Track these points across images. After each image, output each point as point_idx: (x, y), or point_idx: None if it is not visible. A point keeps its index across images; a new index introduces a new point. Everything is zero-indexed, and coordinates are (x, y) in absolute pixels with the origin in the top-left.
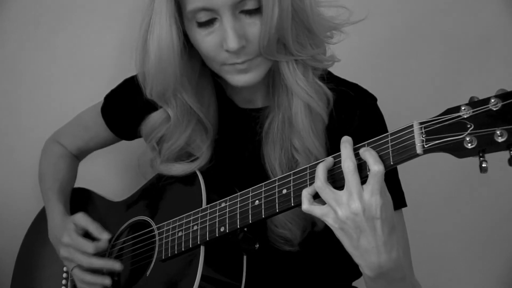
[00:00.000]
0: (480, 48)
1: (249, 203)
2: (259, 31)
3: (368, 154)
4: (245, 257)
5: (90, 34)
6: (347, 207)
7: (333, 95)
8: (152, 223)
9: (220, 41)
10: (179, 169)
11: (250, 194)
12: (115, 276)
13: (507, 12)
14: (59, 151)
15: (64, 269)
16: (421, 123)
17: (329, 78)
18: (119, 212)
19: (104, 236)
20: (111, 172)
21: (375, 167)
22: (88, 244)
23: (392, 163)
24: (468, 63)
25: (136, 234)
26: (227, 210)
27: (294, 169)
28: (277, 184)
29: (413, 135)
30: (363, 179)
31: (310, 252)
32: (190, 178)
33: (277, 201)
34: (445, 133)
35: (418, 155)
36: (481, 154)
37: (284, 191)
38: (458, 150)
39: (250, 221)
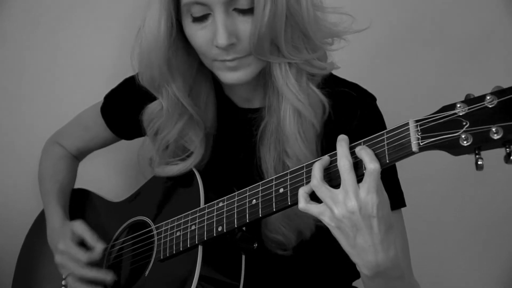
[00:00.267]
0: (478, 47)
1: (246, 202)
2: (250, 29)
3: (364, 153)
4: (243, 257)
5: (90, 34)
6: (343, 205)
7: (329, 101)
8: (151, 223)
9: (211, 37)
10: (174, 169)
11: (248, 194)
12: (115, 277)
13: (506, 11)
14: (59, 152)
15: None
16: (416, 121)
17: (328, 79)
18: (118, 212)
19: (98, 246)
20: (110, 173)
21: (371, 165)
22: (81, 253)
23: (388, 161)
24: (467, 63)
25: (135, 234)
26: (225, 209)
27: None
28: (274, 183)
29: (409, 133)
30: (359, 177)
31: (305, 255)
32: (188, 178)
33: (274, 200)
34: (440, 131)
35: (413, 152)
36: (476, 152)
37: (281, 190)
38: (453, 148)
39: (248, 220)
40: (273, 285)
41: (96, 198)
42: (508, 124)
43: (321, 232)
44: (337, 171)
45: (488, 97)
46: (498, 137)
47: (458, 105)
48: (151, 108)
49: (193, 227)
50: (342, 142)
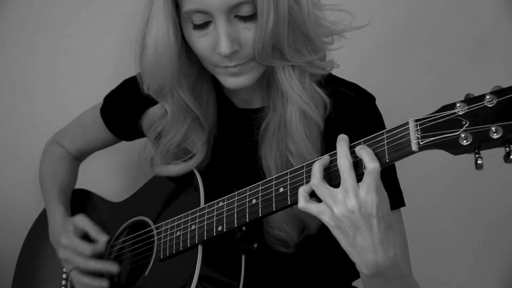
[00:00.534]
0: (478, 47)
1: (246, 202)
2: (253, 36)
3: (364, 152)
4: (243, 256)
5: (90, 35)
6: (343, 204)
7: (330, 100)
8: (151, 223)
9: (213, 44)
10: (175, 169)
11: (248, 193)
12: (115, 277)
13: (506, 11)
14: (59, 153)
15: (64, 269)
16: (416, 120)
17: (327, 78)
18: (119, 212)
19: (102, 239)
20: (110, 173)
21: (371, 164)
22: (85, 246)
23: (387, 160)
24: (467, 62)
25: (135, 234)
26: (225, 209)
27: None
28: (274, 182)
29: (409, 132)
30: (359, 176)
31: (307, 253)
32: (188, 178)
33: (274, 200)
34: (440, 130)
35: (413, 152)
36: (476, 151)
37: (281, 190)
38: (453, 147)
39: (248, 220)
40: (273, 285)
41: (96, 198)
42: (508, 123)
43: (324, 230)
44: (337, 171)
45: (487, 97)
46: (498, 136)
47: (458, 105)
48: (152, 113)
49: (193, 227)
50: (342, 142)
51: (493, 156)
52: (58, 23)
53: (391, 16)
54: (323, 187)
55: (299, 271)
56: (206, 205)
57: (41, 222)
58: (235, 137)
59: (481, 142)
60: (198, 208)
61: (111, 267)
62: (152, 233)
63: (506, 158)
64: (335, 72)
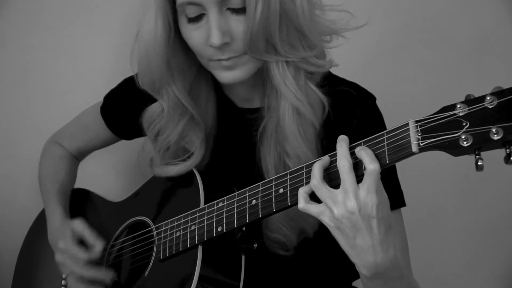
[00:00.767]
0: (478, 47)
1: (246, 202)
2: (243, 29)
3: (364, 153)
4: (243, 257)
5: (89, 34)
6: (343, 205)
7: (329, 100)
8: (151, 223)
9: (206, 37)
10: (174, 169)
11: (247, 194)
12: (115, 277)
13: (506, 11)
14: (58, 152)
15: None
16: (416, 122)
17: (327, 78)
18: (118, 212)
19: (98, 245)
20: (110, 173)
21: (371, 165)
22: (81, 252)
23: (388, 161)
24: (467, 63)
25: (135, 234)
26: (225, 210)
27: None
28: (274, 183)
29: (409, 134)
30: (359, 177)
31: (306, 256)
32: (188, 178)
33: (274, 201)
34: (440, 131)
35: (413, 153)
36: (477, 152)
37: (281, 191)
38: (453, 148)
39: (248, 221)
40: (273, 285)
41: (96, 198)
42: (508, 124)
43: (323, 231)
44: (337, 172)
45: (488, 98)
46: (498, 137)
47: (458, 106)
48: (151, 111)
49: (193, 227)
50: (342, 143)
51: (493, 157)
52: (58, 23)
53: (391, 16)
54: (323, 188)
55: (298, 273)
56: (206, 205)
57: (41, 221)
58: (235, 137)
59: (481, 144)
60: (198, 209)
61: (106, 275)
62: (152, 233)
63: (506, 159)
64: (335, 71)
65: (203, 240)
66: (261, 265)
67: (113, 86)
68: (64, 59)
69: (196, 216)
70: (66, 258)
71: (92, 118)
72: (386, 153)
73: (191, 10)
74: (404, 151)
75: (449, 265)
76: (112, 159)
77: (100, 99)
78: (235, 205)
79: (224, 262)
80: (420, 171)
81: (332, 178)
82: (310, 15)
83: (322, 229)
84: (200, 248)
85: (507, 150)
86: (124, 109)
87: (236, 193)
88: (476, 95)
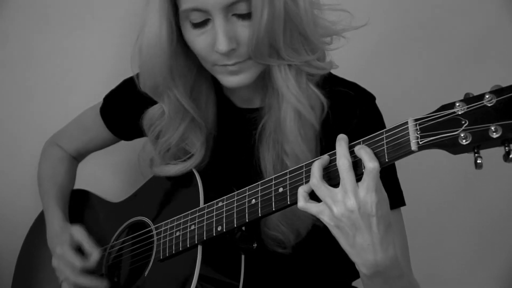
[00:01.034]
0: (478, 46)
1: (245, 202)
2: (249, 34)
3: (363, 152)
4: (243, 256)
5: (89, 35)
6: (342, 204)
7: (328, 101)
8: (150, 223)
9: (211, 42)
10: (173, 169)
11: (247, 193)
12: (115, 277)
13: (506, 11)
14: (57, 154)
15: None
16: (415, 120)
17: (327, 78)
18: (118, 213)
19: (95, 254)
20: (109, 173)
21: (370, 164)
22: (77, 260)
23: (387, 160)
24: (466, 62)
25: (135, 234)
26: (224, 209)
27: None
28: (273, 182)
29: (408, 132)
30: (359, 176)
31: (304, 254)
32: (188, 178)
33: (273, 200)
34: (439, 130)
35: (413, 151)
36: (476, 150)
37: (281, 190)
38: (453, 147)
39: (247, 220)
40: (272, 285)
41: (95, 198)
42: (507, 122)
43: (319, 231)
44: (336, 171)
45: (487, 96)
46: (497, 135)
47: (457, 104)
48: (151, 113)
49: (192, 227)
50: (341, 142)
51: (492, 155)
52: (58, 24)
53: (391, 16)
54: (323, 187)
55: (298, 272)
56: (206, 205)
57: (41, 222)
58: (235, 137)
59: (480, 142)
60: (197, 208)
61: (100, 284)
62: (151, 233)
63: (505, 157)
64: (335, 71)
65: (202, 239)
66: (260, 265)
67: (113, 87)
68: (64, 59)
69: (195, 216)
70: (62, 264)
71: (92, 119)
72: (386, 151)
73: (196, 16)
74: (403, 150)
75: (449, 264)
76: (111, 160)
77: (100, 99)
78: (235, 204)
79: (224, 262)
80: (419, 169)
81: (331, 177)
82: (313, 18)
83: (316, 229)
84: (199, 248)
85: (506, 148)
86: (123, 110)
87: (235, 192)
88: (475, 94)
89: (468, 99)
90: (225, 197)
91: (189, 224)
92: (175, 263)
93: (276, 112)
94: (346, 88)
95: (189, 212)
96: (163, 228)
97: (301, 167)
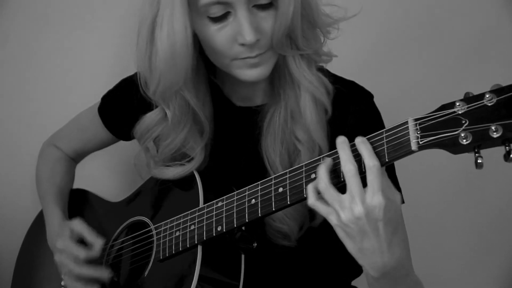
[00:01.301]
0: (478, 45)
1: (245, 202)
2: (272, 25)
3: (364, 148)
4: (243, 256)
5: (88, 35)
6: (349, 211)
7: (333, 87)
8: (150, 223)
9: (233, 35)
10: (173, 172)
11: (247, 193)
12: (115, 277)
13: (506, 11)
14: (56, 155)
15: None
16: (416, 120)
17: (326, 76)
18: (117, 212)
19: (97, 243)
20: (109, 173)
21: (370, 162)
22: (80, 250)
23: (387, 159)
24: (466, 61)
25: (134, 234)
26: (224, 209)
27: (293, 162)
28: (273, 182)
29: (408, 132)
30: (361, 175)
31: (308, 248)
32: (187, 178)
33: (273, 200)
34: (440, 129)
35: (413, 151)
36: (476, 150)
37: (280, 190)
38: (453, 146)
39: (247, 220)
40: (273, 282)
41: (94, 198)
42: (508, 122)
43: (324, 225)
44: (338, 170)
45: (487, 95)
46: (498, 135)
47: (457, 104)
48: (150, 118)
49: (192, 227)
50: (343, 145)
51: (492, 155)
52: (58, 24)
53: (391, 15)
54: (331, 191)
55: (299, 267)
56: (205, 205)
57: (40, 221)
58: (235, 136)
59: (481, 141)
60: (197, 208)
61: (103, 273)
62: (151, 233)
63: (506, 157)
64: (334, 70)
65: (202, 239)
66: (261, 261)
67: (111, 87)
68: (64, 59)
69: (195, 216)
70: (65, 257)
71: (89, 119)
72: (386, 151)
73: (216, 9)
74: (403, 149)
75: (449, 264)
76: (110, 160)
77: (99, 99)
78: (235, 204)
79: (224, 262)
80: (419, 169)
81: (335, 176)
82: (319, 6)
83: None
84: (199, 248)
85: (507, 147)
86: (122, 109)
87: (235, 192)
88: (476, 93)
89: (468, 99)
90: (224, 197)
91: (189, 224)
92: (175, 263)
93: (293, 102)
94: (344, 86)
95: (189, 212)
96: (163, 228)
97: (300, 167)
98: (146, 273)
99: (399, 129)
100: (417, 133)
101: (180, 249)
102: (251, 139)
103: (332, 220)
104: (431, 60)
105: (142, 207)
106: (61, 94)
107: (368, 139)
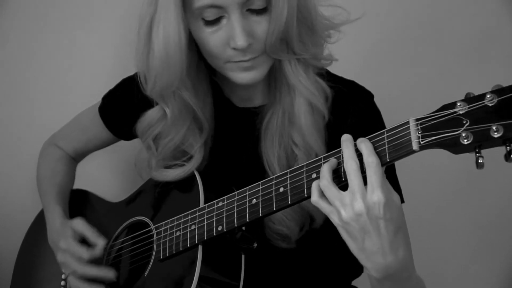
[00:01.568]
0: (479, 46)
1: (246, 201)
2: (266, 29)
3: (364, 146)
4: (243, 256)
5: (88, 35)
6: (350, 208)
7: (331, 91)
8: (150, 223)
9: (226, 39)
10: (173, 174)
11: (248, 193)
12: (116, 274)
13: (506, 11)
14: (56, 154)
15: (63, 273)
16: (417, 120)
17: (326, 76)
18: (118, 213)
19: (100, 243)
20: (109, 173)
21: (369, 159)
22: (83, 251)
23: (388, 159)
24: (467, 61)
25: (135, 234)
26: (225, 209)
27: (291, 165)
28: (274, 182)
29: (409, 132)
30: (363, 174)
31: (308, 249)
32: (188, 178)
33: (274, 200)
34: (441, 129)
35: (414, 151)
36: (477, 150)
37: (281, 189)
38: (454, 146)
39: (248, 220)
40: (273, 283)
41: (95, 198)
42: (508, 122)
43: (325, 225)
44: (341, 169)
45: (488, 96)
46: (499, 135)
47: (459, 104)
48: (151, 115)
49: (193, 227)
50: (347, 143)
51: (493, 155)
52: (58, 24)
53: (391, 15)
54: (333, 189)
55: (299, 268)
56: (206, 205)
57: (40, 221)
58: (234, 136)
59: (481, 141)
60: (198, 208)
61: (108, 273)
62: (151, 233)
63: (507, 157)
64: (333, 70)
65: (203, 239)
66: (261, 262)
67: (111, 87)
68: (64, 59)
69: (196, 216)
70: (68, 257)
71: (90, 118)
72: (387, 151)
73: (210, 13)
74: (404, 149)
75: (449, 264)
76: (111, 160)
77: (99, 99)
78: (235, 204)
79: (224, 262)
80: (420, 169)
81: (337, 175)
82: (318, 11)
83: (325, 222)
84: (200, 248)
85: (508, 147)
86: (122, 109)
87: (236, 192)
88: (476, 93)
89: (469, 99)
90: (225, 197)
91: (189, 224)
92: (175, 263)
93: (288, 106)
94: (344, 86)
95: (189, 212)
96: (163, 228)
97: (301, 167)
98: (147, 273)
99: (400, 129)
100: (418, 133)
101: (181, 249)
102: (250, 140)
103: (334, 219)
104: (431, 60)
105: (143, 207)
106: (61, 94)
107: (369, 139)
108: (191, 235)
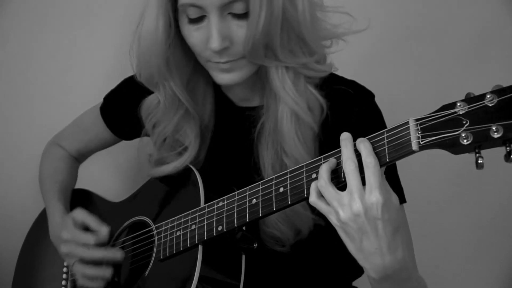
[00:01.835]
0: (479, 46)
1: (246, 201)
2: (245, 34)
3: (363, 147)
4: (243, 256)
5: (89, 35)
6: (348, 208)
7: (327, 102)
8: (151, 223)
9: (205, 39)
10: (169, 168)
11: (248, 193)
12: (115, 277)
13: (506, 11)
14: (59, 154)
15: (64, 269)
16: (416, 120)
17: (326, 76)
18: (118, 212)
19: (103, 228)
20: (110, 173)
21: (367, 159)
22: (88, 236)
23: (388, 159)
24: (467, 61)
25: (135, 234)
26: (225, 209)
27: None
28: (274, 182)
29: (409, 132)
30: (362, 175)
31: (303, 253)
32: (188, 178)
33: (274, 200)
34: (441, 130)
35: (414, 151)
36: (477, 150)
37: (281, 190)
38: (454, 146)
39: (248, 220)
40: (272, 284)
41: (96, 198)
42: (508, 122)
43: (320, 230)
44: (340, 169)
45: (488, 96)
46: (498, 135)
47: (458, 104)
48: (148, 102)
49: (193, 227)
50: (346, 142)
51: (493, 155)
52: (58, 24)
53: (391, 16)
54: (330, 189)
55: (298, 271)
56: (206, 205)
57: (41, 221)
58: (233, 135)
59: (481, 142)
60: (198, 208)
61: (116, 253)
62: (152, 233)
63: (506, 157)
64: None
65: (203, 239)
66: (261, 264)
67: (113, 86)
68: (64, 59)
69: (196, 216)
70: (73, 246)
71: (92, 119)
72: (387, 151)
73: (192, 11)
74: (404, 149)
75: (449, 264)
76: (112, 160)
77: (101, 99)
78: (235, 204)
79: (225, 262)
80: (420, 169)
81: (338, 176)
82: (311, 21)
83: (318, 228)
84: (200, 248)
85: (507, 148)
86: (124, 109)
87: (236, 192)
88: (476, 93)
89: (469, 99)
90: (225, 196)
91: (189, 224)
92: (176, 263)
93: (274, 112)
94: (345, 86)
95: (190, 212)
96: (163, 228)
97: (301, 167)
98: (147, 273)
99: (400, 129)
100: (418, 133)
101: (181, 248)
102: (247, 141)
103: (332, 219)
104: (431, 60)
105: (143, 207)
106: (61, 94)
107: (369, 139)
108: (191, 235)
